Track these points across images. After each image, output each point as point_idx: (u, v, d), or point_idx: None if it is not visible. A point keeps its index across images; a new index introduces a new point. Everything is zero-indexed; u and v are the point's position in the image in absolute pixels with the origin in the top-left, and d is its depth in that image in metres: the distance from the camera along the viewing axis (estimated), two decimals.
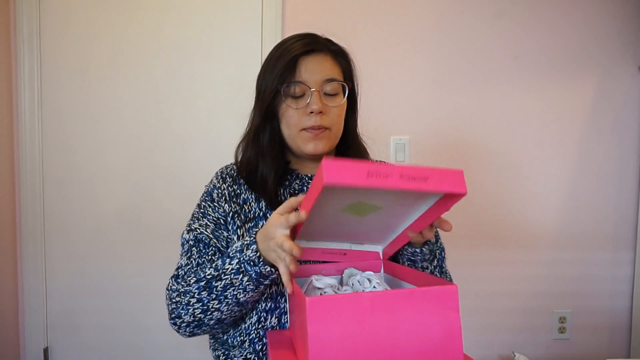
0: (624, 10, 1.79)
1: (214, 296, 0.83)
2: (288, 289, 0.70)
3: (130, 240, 1.78)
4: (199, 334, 0.91)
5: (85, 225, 1.78)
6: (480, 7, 1.78)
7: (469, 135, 1.80)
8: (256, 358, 0.88)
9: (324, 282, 0.72)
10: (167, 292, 0.91)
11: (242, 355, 0.90)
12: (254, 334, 0.89)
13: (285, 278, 0.71)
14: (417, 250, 0.86)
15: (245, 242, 0.80)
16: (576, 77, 1.81)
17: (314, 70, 0.90)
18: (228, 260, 0.82)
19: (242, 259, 0.79)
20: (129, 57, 1.75)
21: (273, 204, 0.92)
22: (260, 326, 0.89)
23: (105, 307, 1.78)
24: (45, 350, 1.79)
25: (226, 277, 0.81)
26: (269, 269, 0.78)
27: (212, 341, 0.99)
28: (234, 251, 0.82)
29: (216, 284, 0.83)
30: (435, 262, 0.92)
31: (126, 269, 1.78)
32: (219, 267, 0.83)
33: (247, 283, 0.80)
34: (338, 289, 0.73)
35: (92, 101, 1.76)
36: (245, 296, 0.82)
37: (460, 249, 1.80)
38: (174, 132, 1.77)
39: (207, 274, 0.84)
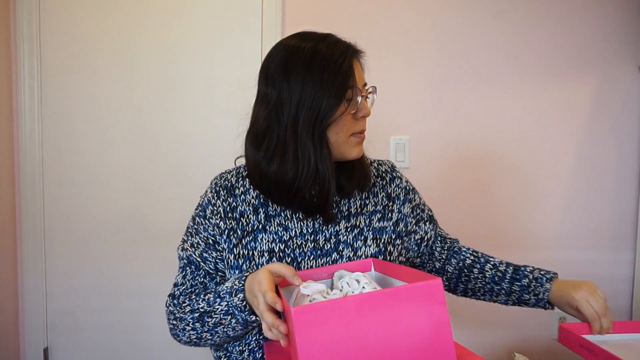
0: (624, 10, 1.79)
1: (206, 329, 0.85)
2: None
3: (130, 240, 1.78)
4: None
5: (85, 225, 1.78)
6: (480, 7, 1.77)
7: (468, 136, 1.80)
8: None
9: (311, 288, 0.71)
10: (166, 309, 0.93)
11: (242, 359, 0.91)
12: (254, 344, 0.89)
13: (269, 335, 0.70)
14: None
15: (235, 288, 0.80)
16: (576, 77, 1.81)
17: (358, 73, 0.89)
18: (219, 300, 0.82)
19: (230, 303, 0.80)
20: (129, 57, 1.75)
21: (326, 216, 0.91)
22: (260, 337, 0.89)
23: (105, 306, 1.78)
24: (45, 350, 1.79)
25: (216, 315, 0.83)
26: (254, 318, 0.78)
27: None
28: (224, 291, 0.82)
29: (208, 320, 0.84)
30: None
31: (126, 268, 1.78)
32: (210, 303, 0.84)
33: (235, 324, 0.81)
34: (327, 293, 0.72)
35: (92, 101, 1.76)
36: (235, 333, 0.84)
37: None
38: (173, 132, 1.77)
39: (200, 306, 0.85)
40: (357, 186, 0.95)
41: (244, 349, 0.90)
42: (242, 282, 0.79)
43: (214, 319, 0.83)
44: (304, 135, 0.83)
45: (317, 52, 0.85)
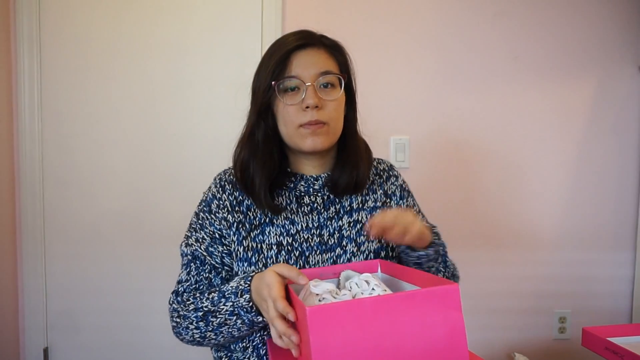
0: (624, 10, 1.79)
1: (210, 328, 0.84)
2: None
3: (130, 239, 1.78)
4: None
5: (85, 225, 1.77)
6: (480, 7, 1.78)
7: (469, 135, 1.80)
8: None
9: (321, 287, 0.70)
10: (169, 307, 0.92)
11: (245, 358, 0.90)
12: (258, 340, 0.88)
13: (278, 343, 0.68)
14: (422, 253, 0.86)
15: (240, 288, 0.79)
16: (576, 77, 1.81)
17: (308, 64, 0.88)
18: (224, 300, 0.81)
19: (235, 303, 0.79)
20: (129, 57, 1.75)
21: (261, 205, 0.90)
22: (265, 333, 0.88)
23: (105, 307, 1.78)
24: (45, 350, 1.78)
25: (221, 315, 0.82)
26: (260, 319, 0.77)
27: None
28: (229, 291, 0.81)
29: (212, 319, 0.83)
30: (440, 258, 0.92)
31: (126, 268, 1.78)
32: (215, 302, 0.83)
33: (240, 325, 0.81)
34: (337, 293, 0.71)
35: (92, 101, 1.76)
36: (240, 333, 0.83)
37: (460, 249, 1.80)
38: (173, 132, 1.77)
39: (204, 305, 0.84)
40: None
41: (248, 345, 0.89)
42: (248, 283, 0.78)
43: (219, 319, 0.82)
44: (249, 124, 0.94)
45: (272, 48, 0.93)
